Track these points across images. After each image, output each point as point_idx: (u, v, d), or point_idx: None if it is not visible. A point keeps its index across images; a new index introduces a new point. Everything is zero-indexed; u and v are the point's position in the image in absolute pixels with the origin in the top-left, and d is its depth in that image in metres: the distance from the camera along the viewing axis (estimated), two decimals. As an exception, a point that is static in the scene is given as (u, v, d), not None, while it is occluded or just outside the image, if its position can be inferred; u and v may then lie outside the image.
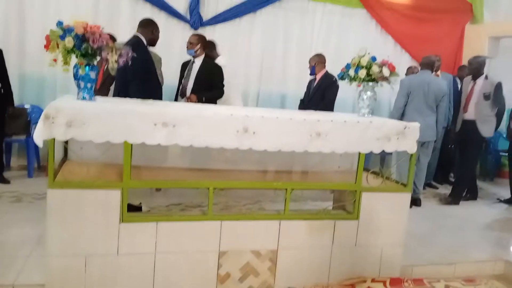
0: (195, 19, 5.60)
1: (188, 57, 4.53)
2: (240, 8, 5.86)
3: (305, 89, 6.12)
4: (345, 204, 3.16)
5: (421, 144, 4.67)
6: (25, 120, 4.79)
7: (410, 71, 5.84)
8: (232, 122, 2.62)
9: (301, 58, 6.21)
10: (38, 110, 4.96)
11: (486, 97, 5.08)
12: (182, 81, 4.38)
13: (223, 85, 4.42)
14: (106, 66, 4.29)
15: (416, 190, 4.92)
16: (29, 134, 4.79)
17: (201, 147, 2.60)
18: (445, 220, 4.60)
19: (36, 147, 5.02)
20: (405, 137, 3.04)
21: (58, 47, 2.55)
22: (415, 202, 4.89)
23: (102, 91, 4.26)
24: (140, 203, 3.16)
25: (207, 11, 5.74)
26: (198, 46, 4.29)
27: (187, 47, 4.34)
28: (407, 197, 3.15)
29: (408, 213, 3.17)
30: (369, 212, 3.04)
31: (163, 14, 5.48)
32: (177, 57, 5.19)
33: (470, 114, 5.17)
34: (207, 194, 2.70)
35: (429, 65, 4.83)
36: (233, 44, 5.94)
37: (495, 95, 5.04)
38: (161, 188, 3.20)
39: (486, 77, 5.10)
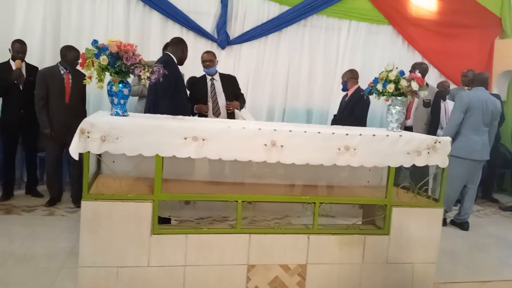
0: (222, 38, 5.73)
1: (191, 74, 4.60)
2: (266, 26, 5.96)
3: (331, 105, 6.16)
4: (375, 220, 3.11)
5: (477, 163, 4.49)
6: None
7: (441, 85, 5.72)
8: (260, 136, 2.65)
9: (326, 74, 6.24)
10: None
11: (426, 104, 5.05)
12: (211, 100, 4.37)
13: (242, 94, 4.62)
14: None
15: (463, 212, 4.67)
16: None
17: (228, 161, 2.63)
18: (479, 238, 4.45)
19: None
20: (436, 151, 2.99)
21: (93, 65, 2.66)
22: (462, 225, 4.66)
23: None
24: (169, 216, 3.20)
25: (234, 30, 5.86)
26: (216, 62, 4.40)
27: (205, 66, 4.36)
28: (439, 213, 3.07)
29: (440, 229, 3.08)
30: (400, 228, 2.98)
31: (191, 34, 5.63)
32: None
33: (410, 121, 5.15)
34: (235, 208, 2.72)
35: (483, 82, 4.57)
36: (260, 62, 6.03)
37: (434, 103, 4.98)
38: (189, 201, 3.24)
39: (427, 84, 4.96)
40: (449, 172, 4.30)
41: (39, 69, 4.49)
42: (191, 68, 4.73)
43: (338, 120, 4.96)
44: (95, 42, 2.66)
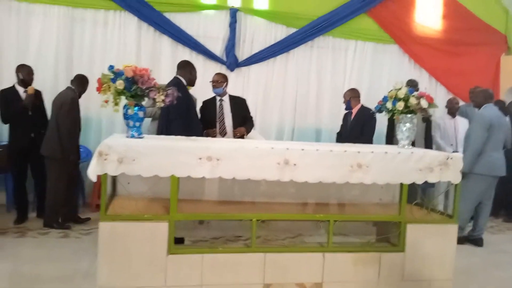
0: (231, 61, 5.84)
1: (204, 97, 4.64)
2: (274, 48, 6.07)
3: (339, 124, 6.19)
4: (389, 237, 3.10)
5: (495, 179, 4.50)
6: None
7: (451, 102, 5.65)
8: (273, 155, 2.69)
9: (334, 94, 6.30)
10: (85, 150, 5.21)
11: (424, 119, 5.18)
12: (218, 120, 4.43)
13: (251, 117, 4.61)
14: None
15: (478, 228, 4.64)
16: (78, 173, 4.96)
17: (239, 180, 2.66)
18: (494, 255, 4.39)
19: (81, 185, 5.23)
20: (448, 168, 3.01)
21: (109, 89, 2.74)
22: (476, 242, 4.61)
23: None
24: (183, 237, 3.22)
25: (242, 52, 5.98)
26: (225, 84, 4.46)
27: (214, 86, 4.43)
28: (453, 229, 3.07)
29: (455, 245, 3.07)
30: (414, 245, 2.97)
31: (201, 57, 5.75)
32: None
33: None
34: (248, 227, 2.74)
35: (491, 98, 4.63)
36: (268, 82, 6.12)
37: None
38: (203, 221, 3.26)
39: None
40: (468, 189, 4.31)
41: (56, 93, 4.57)
42: (200, 91, 4.80)
43: (345, 138, 4.98)
44: (111, 67, 2.74)
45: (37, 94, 4.62)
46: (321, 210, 3.13)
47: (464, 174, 4.19)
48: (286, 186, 3.10)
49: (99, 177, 2.49)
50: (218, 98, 4.44)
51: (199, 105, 4.59)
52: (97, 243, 2.50)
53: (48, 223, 4.35)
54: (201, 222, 3.44)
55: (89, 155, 5.22)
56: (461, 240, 4.49)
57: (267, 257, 2.73)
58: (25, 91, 4.46)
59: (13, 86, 4.54)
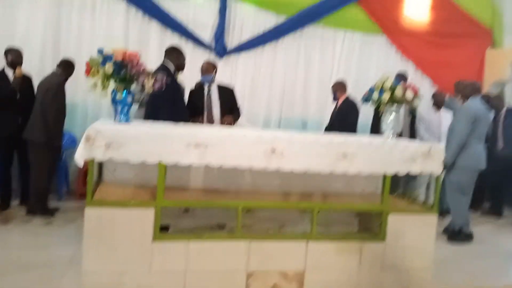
0: (219, 48, 5.81)
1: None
2: (263, 37, 6.05)
3: (326, 115, 6.24)
4: (371, 227, 3.17)
5: (478, 172, 4.52)
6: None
7: (439, 95, 5.72)
8: (261, 143, 2.71)
9: (322, 84, 6.33)
10: (70, 137, 5.15)
11: (410, 112, 5.46)
12: (205, 108, 4.41)
13: (239, 107, 4.62)
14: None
15: (465, 223, 4.61)
16: (60, 159, 4.91)
17: (226, 171, 2.68)
18: (474, 245, 4.52)
19: (65, 172, 5.18)
20: (431, 158, 3.08)
21: (98, 73, 2.72)
22: (468, 237, 4.59)
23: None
24: (168, 224, 3.23)
25: (232, 40, 5.95)
26: (214, 72, 4.44)
27: (202, 73, 4.43)
28: (433, 219, 3.15)
29: (434, 235, 3.16)
30: (395, 234, 3.04)
31: (190, 44, 5.71)
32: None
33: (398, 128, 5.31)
34: (233, 216, 2.77)
35: (478, 91, 4.66)
36: (256, 71, 6.11)
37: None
38: (188, 209, 3.28)
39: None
40: (454, 183, 4.39)
41: (41, 78, 4.48)
42: (189, 77, 4.78)
43: (329, 129, 5.03)
44: (100, 51, 2.71)
45: (27, 79, 4.54)
46: (306, 200, 3.18)
47: (448, 167, 4.30)
48: (271, 177, 3.14)
49: (84, 164, 2.49)
50: (206, 86, 4.42)
51: (187, 92, 4.58)
52: (82, 231, 2.50)
53: (32, 210, 4.31)
54: (186, 210, 3.45)
55: (74, 142, 5.16)
56: (469, 237, 4.56)
57: (251, 245, 2.77)
58: (14, 74, 4.38)
59: (2, 70, 4.44)
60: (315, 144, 2.80)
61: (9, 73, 4.41)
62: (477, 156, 4.45)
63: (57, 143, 4.32)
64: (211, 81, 4.40)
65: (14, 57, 4.41)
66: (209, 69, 4.40)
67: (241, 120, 4.74)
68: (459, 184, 4.44)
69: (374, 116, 5.35)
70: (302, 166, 2.79)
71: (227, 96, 4.46)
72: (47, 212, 4.33)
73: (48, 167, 4.32)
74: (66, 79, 4.46)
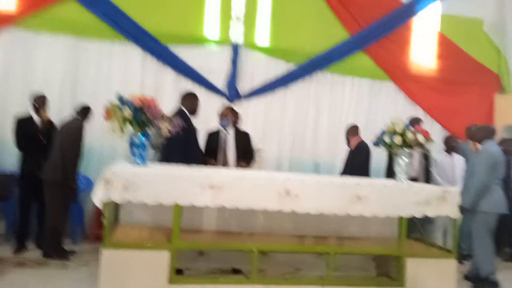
0: (232, 94, 5.97)
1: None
2: (274, 83, 6.20)
3: (337, 158, 6.27)
4: (389, 272, 3.10)
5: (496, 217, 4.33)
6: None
7: (451, 140, 5.72)
8: (274, 185, 2.74)
9: (332, 128, 6.39)
10: (85, 179, 5.20)
11: (424, 156, 5.31)
12: (220, 152, 4.49)
13: (254, 151, 4.70)
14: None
15: (492, 270, 4.30)
16: (75, 202, 4.92)
17: (240, 213, 2.68)
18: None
19: (80, 215, 5.19)
20: (446, 202, 3.06)
21: (116, 117, 2.81)
22: (494, 285, 4.26)
23: None
24: (182, 268, 3.19)
25: (243, 86, 6.10)
26: (231, 117, 4.56)
27: (221, 118, 4.57)
28: (453, 264, 3.08)
29: (455, 281, 3.07)
30: (414, 279, 2.97)
31: (203, 89, 5.86)
32: (217, 128, 5.46)
33: (414, 172, 5.10)
34: (248, 259, 2.74)
35: (492, 134, 4.57)
36: (267, 115, 6.21)
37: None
38: (203, 252, 3.25)
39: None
40: (486, 230, 4.26)
41: (61, 122, 4.59)
42: (203, 121, 4.88)
43: (343, 172, 5.02)
44: (119, 96, 2.81)
45: (51, 123, 4.69)
46: (321, 243, 3.14)
47: (467, 212, 4.20)
48: (285, 219, 3.13)
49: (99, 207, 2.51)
50: (223, 130, 4.53)
51: (203, 134, 4.68)
52: (96, 273, 2.48)
53: (48, 254, 4.28)
54: (201, 253, 3.42)
55: (90, 184, 5.21)
56: (495, 285, 4.28)
57: (267, 289, 2.72)
58: (40, 120, 4.53)
59: (29, 115, 4.59)
60: (329, 186, 2.82)
61: (35, 117, 4.55)
62: (499, 201, 4.31)
63: (73, 185, 4.37)
64: (228, 126, 4.50)
65: (40, 103, 4.58)
66: (227, 114, 4.51)
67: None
68: (486, 229, 4.29)
69: (388, 159, 5.35)
70: (316, 208, 2.79)
71: (243, 140, 4.55)
72: (63, 254, 4.29)
73: (63, 208, 4.35)
74: (84, 124, 4.59)
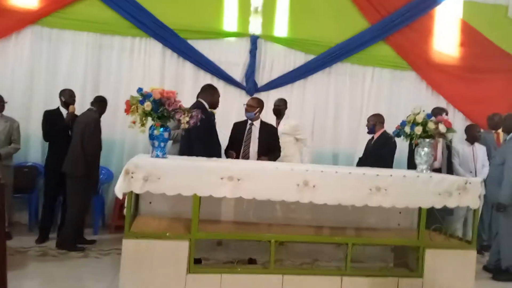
0: (250, 86, 5.99)
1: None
2: (292, 74, 6.20)
3: (357, 149, 6.22)
4: (407, 262, 3.09)
5: None
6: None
7: (473, 129, 5.59)
8: (293, 176, 2.75)
9: (352, 120, 6.35)
10: (107, 172, 5.34)
11: (447, 147, 5.14)
12: (243, 144, 4.47)
13: (279, 146, 4.60)
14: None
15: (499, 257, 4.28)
16: (96, 194, 5.06)
17: (258, 204, 2.70)
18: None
19: (101, 206, 5.34)
20: (467, 193, 3.01)
21: (137, 110, 2.87)
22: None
23: None
24: (200, 258, 3.26)
25: (262, 78, 6.12)
26: (257, 109, 4.52)
27: (246, 110, 4.50)
28: (473, 255, 3.04)
29: (474, 272, 3.04)
30: (433, 270, 2.95)
31: (221, 82, 5.91)
32: (235, 121, 5.48)
33: (437, 162, 5.02)
34: (266, 250, 2.77)
35: None
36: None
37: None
38: (222, 242, 3.31)
39: None
40: None
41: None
42: (221, 114, 4.93)
43: (364, 162, 5.00)
44: (140, 89, 2.87)
45: (75, 116, 4.82)
46: (339, 234, 3.15)
47: (505, 207, 4.09)
48: (303, 210, 3.14)
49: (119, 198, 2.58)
50: (249, 122, 4.51)
51: (224, 127, 4.71)
52: (116, 263, 2.55)
53: (60, 245, 4.38)
54: (219, 244, 3.48)
55: (110, 176, 5.34)
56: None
57: (285, 279, 2.75)
58: (68, 112, 4.67)
59: (57, 108, 4.77)
60: (348, 177, 2.82)
61: (63, 111, 4.73)
62: None
63: (94, 177, 4.49)
64: (253, 118, 4.48)
65: (68, 97, 4.74)
66: (253, 105, 4.46)
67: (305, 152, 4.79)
68: None
69: (409, 150, 5.28)
70: (335, 199, 2.79)
71: (268, 133, 4.48)
72: (74, 247, 4.37)
73: (84, 202, 4.46)
74: (101, 115, 4.69)
